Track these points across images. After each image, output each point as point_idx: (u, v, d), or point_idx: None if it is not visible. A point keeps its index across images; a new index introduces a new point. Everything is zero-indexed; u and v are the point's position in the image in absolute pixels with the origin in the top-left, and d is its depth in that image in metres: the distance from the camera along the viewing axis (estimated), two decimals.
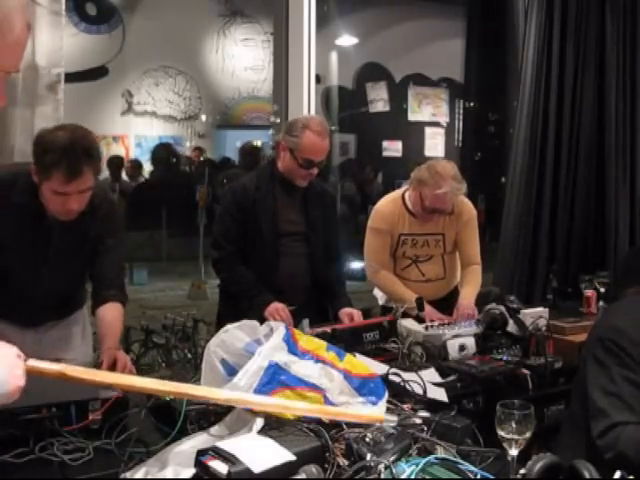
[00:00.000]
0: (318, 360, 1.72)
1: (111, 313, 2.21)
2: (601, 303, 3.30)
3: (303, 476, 1.32)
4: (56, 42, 2.83)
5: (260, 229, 2.85)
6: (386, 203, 3.23)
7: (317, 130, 2.80)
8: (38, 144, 2.03)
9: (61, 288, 2.30)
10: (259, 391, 1.58)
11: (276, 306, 2.74)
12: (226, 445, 1.37)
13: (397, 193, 3.28)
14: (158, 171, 8.64)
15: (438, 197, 2.98)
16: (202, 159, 9.51)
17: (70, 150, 1.97)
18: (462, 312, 2.93)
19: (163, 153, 8.66)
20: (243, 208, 2.85)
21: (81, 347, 2.44)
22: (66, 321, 2.40)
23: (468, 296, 3.08)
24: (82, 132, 2.06)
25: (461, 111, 10.02)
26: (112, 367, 1.98)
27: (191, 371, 2.25)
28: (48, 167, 1.98)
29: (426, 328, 2.68)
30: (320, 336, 2.12)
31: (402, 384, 2.00)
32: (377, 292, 3.38)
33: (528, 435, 1.46)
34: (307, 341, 1.79)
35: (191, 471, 1.38)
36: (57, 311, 2.36)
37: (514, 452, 1.46)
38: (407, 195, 3.17)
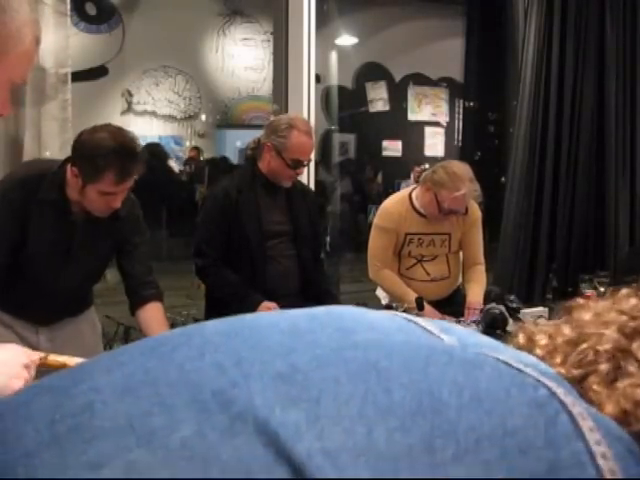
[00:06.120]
0: None
1: (156, 314, 2.29)
2: None
3: None
4: (62, 42, 2.84)
5: (245, 232, 2.79)
6: (393, 202, 3.23)
7: (304, 130, 2.77)
8: (83, 148, 2.06)
9: (80, 286, 2.35)
10: None
11: (267, 305, 2.68)
12: None
13: (404, 192, 3.28)
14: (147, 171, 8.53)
15: (457, 199, 2.98)
16: (201, 159, 9.51)
17: (121, 153, 2.02)
18: (474, 312, 2.94)
19: (148, 154, 8.57)
20: (226, 213, 2.78)
21: (91, 344, 2.47)
22: (78, 319, 2.43)
23: (477, 295, 3.10)
24: (127, 134, 2.13)
25: (461, 111, 10.03)
26: None
27: None
28: (100, 170, 2.02)
29: None
30: None
31: None
32: (380, 292, 3.38)
33: None
34: None
35: None
36: (71, 309, 2.40)
37: None
38: (414, 195, 3.17)
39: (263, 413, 0.40)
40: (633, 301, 0.52)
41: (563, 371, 0.48)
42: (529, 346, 0.52)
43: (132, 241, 2.31)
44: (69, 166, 2.10)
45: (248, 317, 0.54)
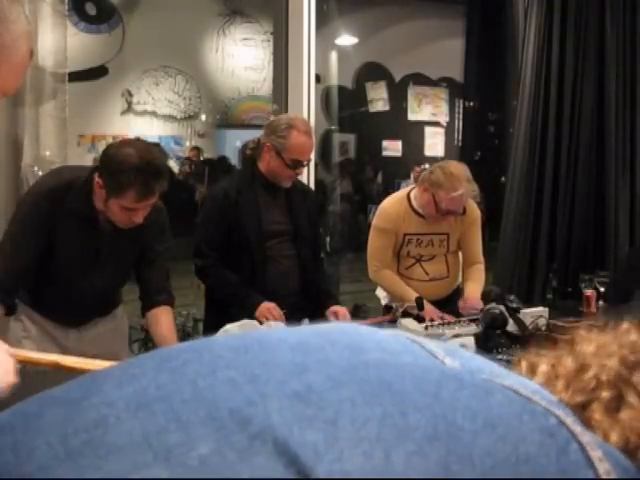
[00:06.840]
0: None
1: (165, 319, 2.31)
2: (601, 303, 3.30)
3: None
4: (60, 42, 2.85)
5: (245, 232, 2.78)
6: (392, 203, 3.22)
7: (304, 130, 2.76)
8: (109, 161, 2.05)
9: (107, 290, 2.37)
10: None
11: (267, 306, 2.68)
12: None
13: (402, 193, 3.27)
14: None
15: (454, 199, 2.97)
16: (201, 159, 9.51)
17: (145, 171, 2.00)
18: (470, 305, 2.94)
19: None
20: (225, 213, 2.78)
21: (118, 343, 2.51)
22: (106, 319, 2.45)
23: (474, 292, 3.09)
24: (154, 151, 2.12)
25: (461, 111, 10.04)
26: None
27: None
28: (122, 186, 2.01)
29: (426, 327, 2.68)
30: None
31: None
32: (380, 292, 3.38)
33: None
34: None
35: None
36: (100, 310, 2.42)
37: None
38: (412, 195, 3.17)
39: (282, 433, 0.40)
40: (633, 337, 0.53)
41: (565, 398, 0.48)
42: (530, 374, 0.53)
43: (155, 249, 2.32)
44: (96, 176, 2.09)
45: (256, 333, 0.54)
